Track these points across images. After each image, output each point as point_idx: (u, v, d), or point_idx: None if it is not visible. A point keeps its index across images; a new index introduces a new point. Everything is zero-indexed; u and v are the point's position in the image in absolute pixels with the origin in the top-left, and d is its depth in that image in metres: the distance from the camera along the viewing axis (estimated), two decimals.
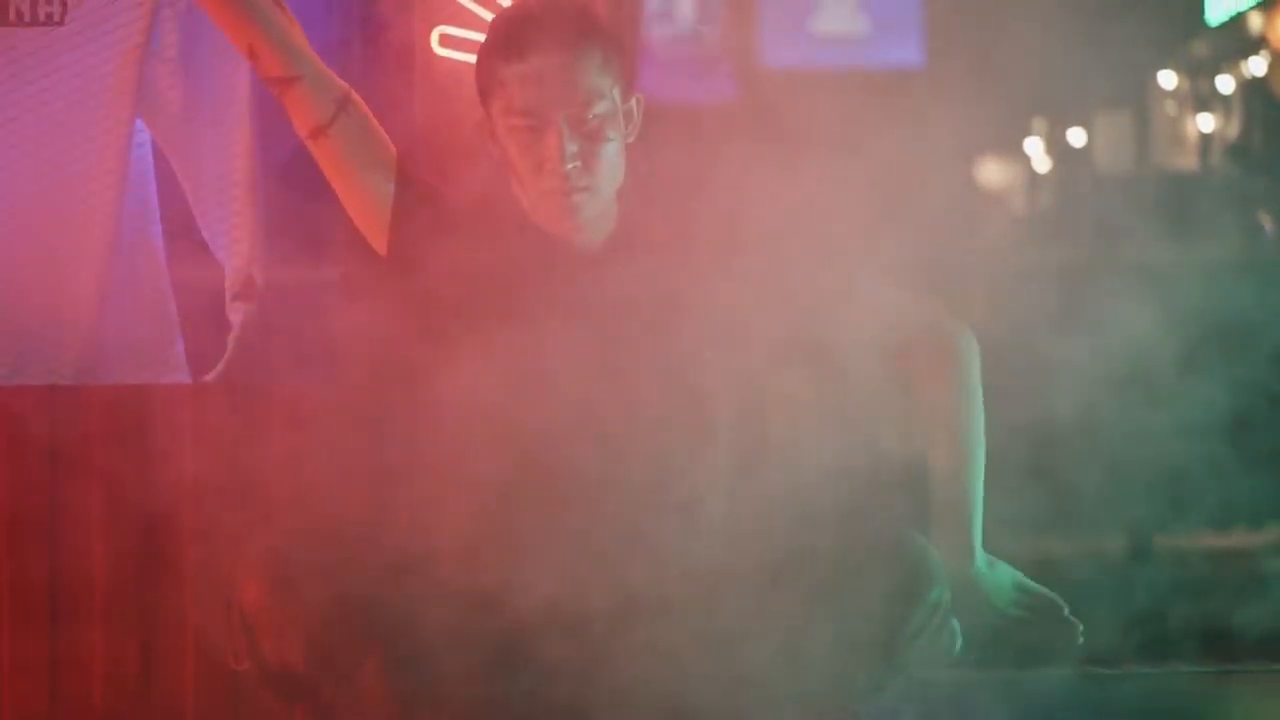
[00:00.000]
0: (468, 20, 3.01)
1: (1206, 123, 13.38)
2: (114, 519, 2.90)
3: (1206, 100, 13.38)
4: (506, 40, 2.41)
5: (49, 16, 3.00)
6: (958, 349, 2.47)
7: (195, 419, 2.92)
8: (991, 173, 14.56)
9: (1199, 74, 13.53)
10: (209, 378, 3.07)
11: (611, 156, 2.39)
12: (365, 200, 2.46)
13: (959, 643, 2.36)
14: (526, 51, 2.38)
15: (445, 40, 3.02)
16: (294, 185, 3.16)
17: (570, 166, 2.36)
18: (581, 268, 2.42)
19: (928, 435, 2.45)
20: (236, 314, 3.07)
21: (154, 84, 3.05)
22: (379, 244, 2.46)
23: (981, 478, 2.44)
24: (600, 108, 2.38)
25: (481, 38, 2.97)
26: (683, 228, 2.49)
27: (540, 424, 2.35)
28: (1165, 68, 13.70)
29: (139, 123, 3.06)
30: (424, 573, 2.31)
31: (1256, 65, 12.52)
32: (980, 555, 2.43)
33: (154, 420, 2.92)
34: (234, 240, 3.06)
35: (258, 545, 2.33)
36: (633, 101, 2.44)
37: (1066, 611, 2.43)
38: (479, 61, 2.45)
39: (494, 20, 2.50)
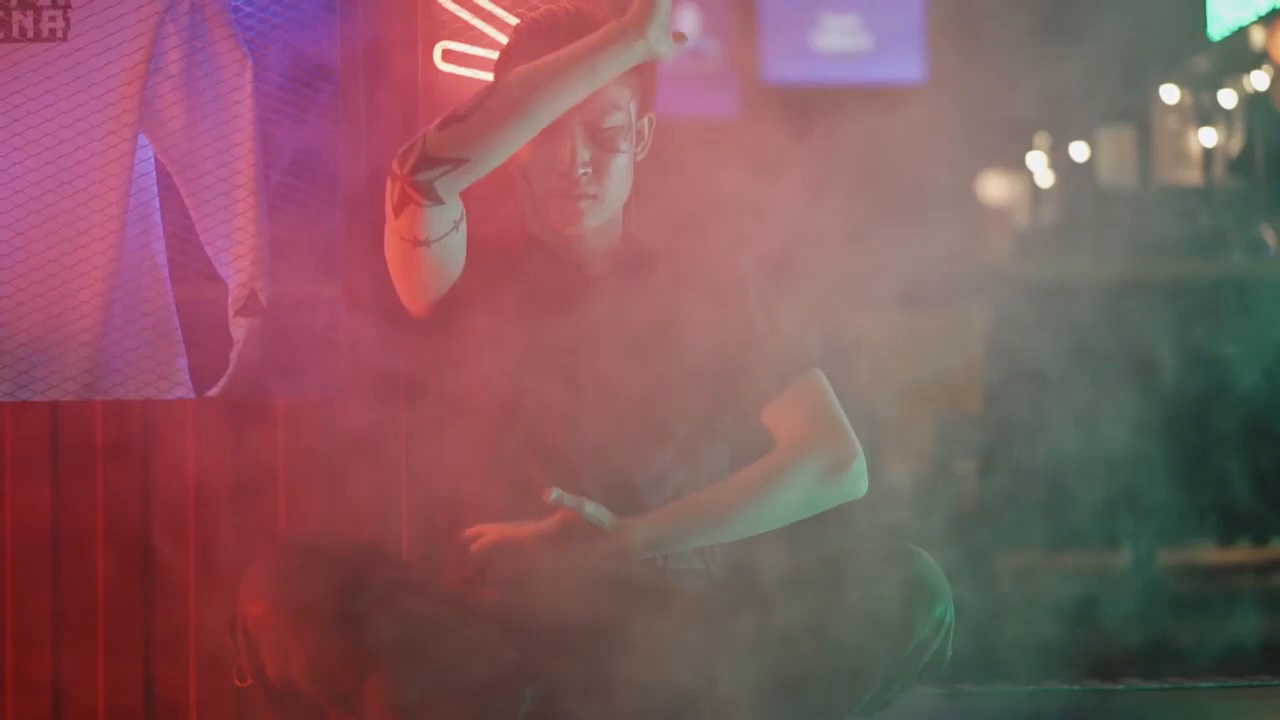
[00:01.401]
0: (471, 36, 3.01)
1: (1209, 137, 13.37)
2: (117, 534, 2.90)
3: (1209, 114, 13.36)
4: (529, 43, 2.41)
5: (53, 32, 3.00)
6: (822, 450, 2.40)
7: (198, 434, 2.92)
8: (994, 187, 14.56)
9: (1201, 88, 13.51)
10: (212, 393, 3.08)
11: (621, 169, 2.40)
12: (427, 291, 2.43)
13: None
14: (549, 50, 2.38)
15: (448, 56, 3.02)
16: (297, 201, 3.16)
17: (581, 172, 2.37)
18: (587, 288, 2.42)
19: (749, 466, 2.40)
20: (239, 329, 3.07)
21: (157, 100, 3.05)
22: (416, 309, 2.44)
23: (720, 530, 2.35)
24: (616, 119, 2.39)
25: (484, 53, 2.97)
26: (687, 247, 2.49)
27: (542, 445, 2.34)
28: (1167, 82, 13.69)
29: (142, 138, 3.07)
30: (427, 592, 2.31)
31: (1259, 79, 12.51)
32: (647, 542, 2.33)
33: (157, 435, 2.92)
34: (237, 255, 3.07)
35: (261, 562, 2.33)
36: (645, 120, 2.44)
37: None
38: (500, 60, 2.47)
39: (518, 25, 2.50)
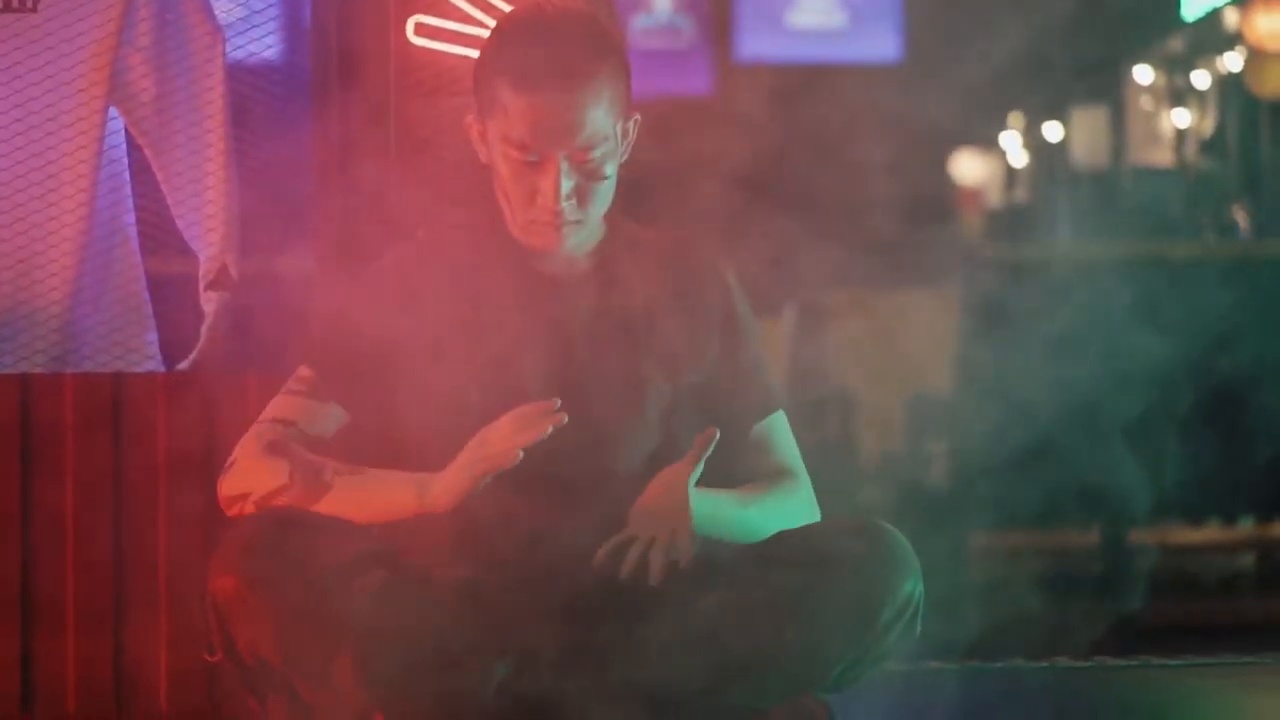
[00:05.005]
0: (443, 10, 3.00)
1: (1182, 118, 13.40)
2: (87, 508, 2.89)
3: (1182, 95, 13.41)
4: (515, 63, 2.30)
5: (22, 3, 2.99)
6: (808, 489, 2.45)
7: (169, 408, 2.91)
8: (968, 166, 14.59)
9: (1175, 69, 13.55)
10: (182, 367, 3.07)
11: (607, 190, 2.36)
12: None
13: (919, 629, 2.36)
14: (536, 84, 2.29)
15: (420, 29, 3.01)
16: (268, 175, 3.15)
17: (565, 204, 2.32)
18: (566, 291, 2.39)
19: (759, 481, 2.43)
20: (210, 303, 3.06)
21: (127, 72, 3.04)
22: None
23: (741, 524, 2.36)
24: (603, 148, 2.32)
25: (456, 27, 2.94)
26: (671, 251, 2.46)
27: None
28: (1141, 62, 13.72)
29: (112, 110, 3.05)
30: (397, 566, 2.30)
31: (1232, 60, 12.55)
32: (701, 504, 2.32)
33: (127, 409, 2.91)
34: (208, 229, 3.06)
35: (232, 537, 2.32)
36: (630, 123, 2.39)
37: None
38: (481, 66, 2.36)
39: (504, 26, 2.39)
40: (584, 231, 2.37)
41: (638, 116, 2.40)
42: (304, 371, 2.40)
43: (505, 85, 2.31)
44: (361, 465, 2.34)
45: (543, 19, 2.35)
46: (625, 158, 2.39)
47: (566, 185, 2.31)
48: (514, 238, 2.40)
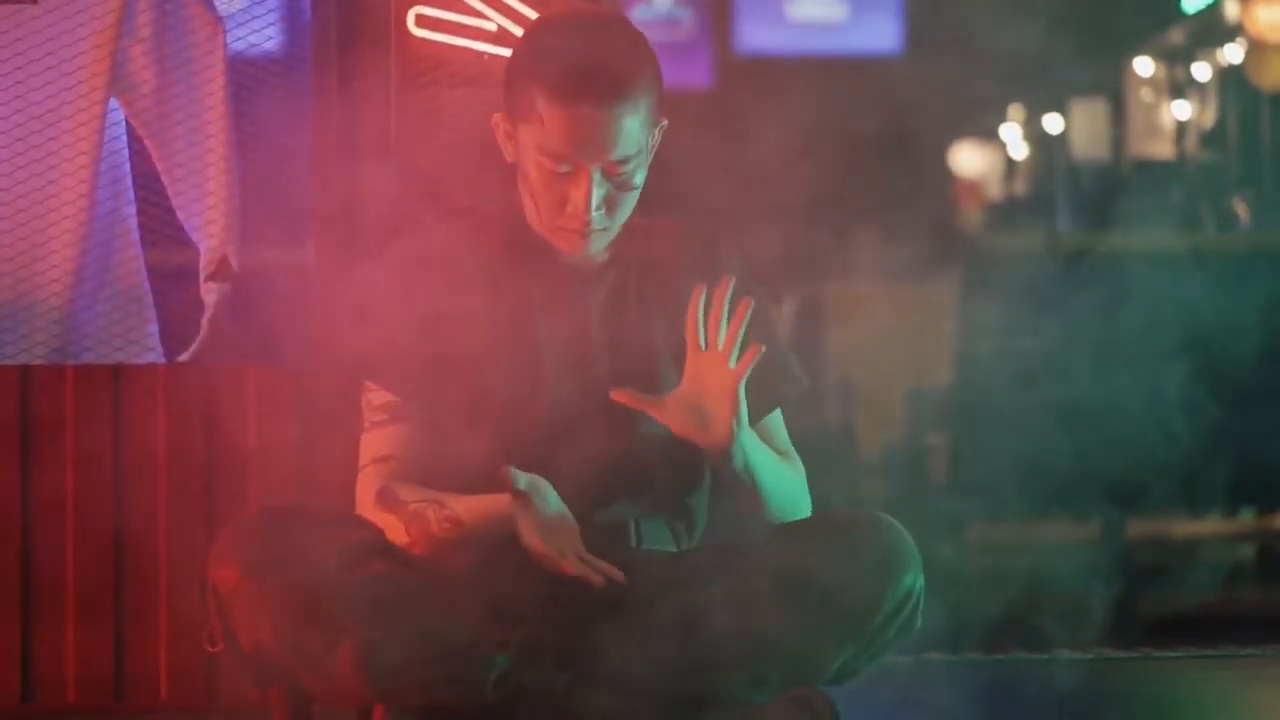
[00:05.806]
0: (444, 1, 3.00)
1: (1182, 110, 13.40)
2: (87, 499, 2.90)
3: (1183, 87, 13.41)
4: (553, 72, 2.28)
5: None
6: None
7: (169, 400, 2.91)
8: (968, 159, 14.59)
9: (1175, 61, 13.55)
10: (183, 358, 3.07)
11: (634, 199, 2.35)
12: None
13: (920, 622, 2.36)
14: (574, 98, 2.27)
15: (421, 21, 3.01)
16: (269, 166, 3.16)
17: (595, 213, 2.32)
18: (584, 281, 2.39)
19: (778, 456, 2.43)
20: (210, 295, 3.07)
21: (128, 63, 3.04)
22: None
23: (771, 479, 2.37)
24: (635, 160, 2.31)
25: (457, 18, 2.94)
26: (684, 241, 2.46)
27: (528, 421, 2.33)
28: (1142, 55, 13.72)
29: (113, 102, 3.06)
30: (398, 556, 2.30)
31: (1233, 53, 12.55)
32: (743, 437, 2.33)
33: (127, 401, 2.91)
34: (208, 221, 3.06)
35: (232, 527, 2.32)
36: (657, 129, 2.37)
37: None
38: (515, 69, 2.33)
39: (540, 30, 2.36)
40: (609, 236, 2.37)
41: (665, 122, 2.38)
42: (377, 399, 2.38)
43: (541, 94, 2.29)
44: (439, 491, 2.34)
45: (581, 26, 2.33)
46: (649, 161, 2.38)
47: (598, 195, 2.30)
48: (530, 228, 2.40)
